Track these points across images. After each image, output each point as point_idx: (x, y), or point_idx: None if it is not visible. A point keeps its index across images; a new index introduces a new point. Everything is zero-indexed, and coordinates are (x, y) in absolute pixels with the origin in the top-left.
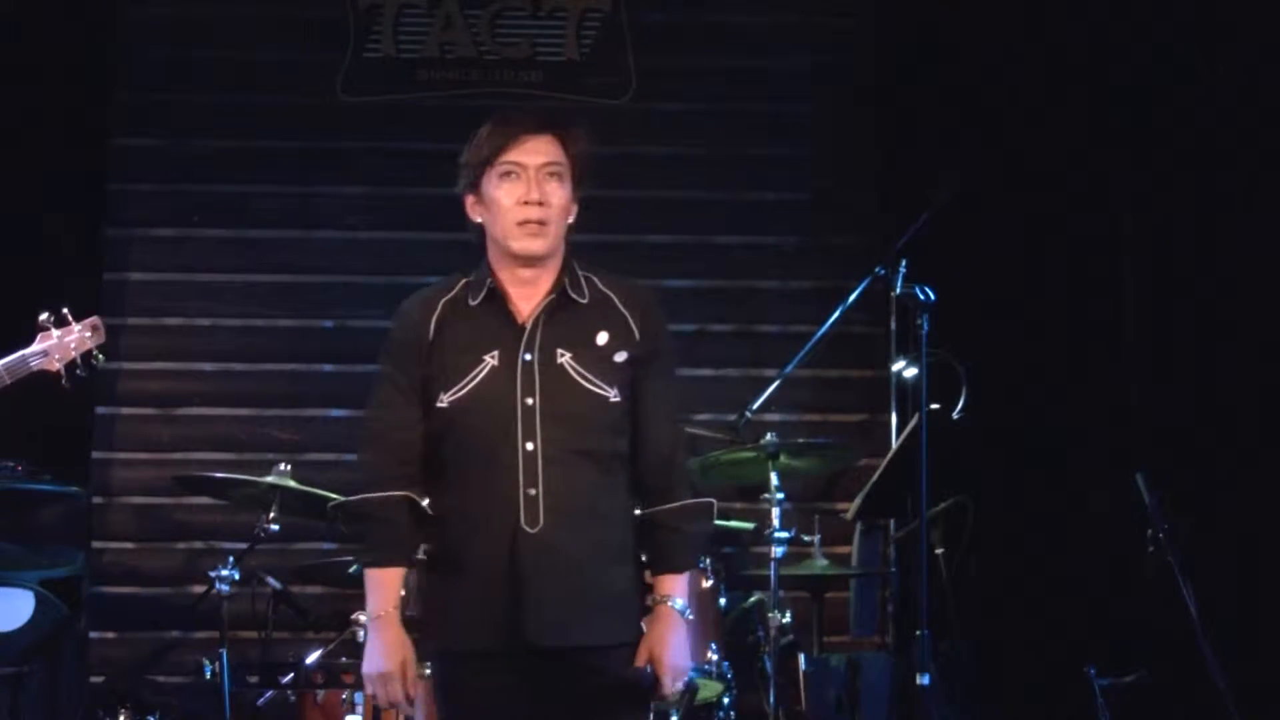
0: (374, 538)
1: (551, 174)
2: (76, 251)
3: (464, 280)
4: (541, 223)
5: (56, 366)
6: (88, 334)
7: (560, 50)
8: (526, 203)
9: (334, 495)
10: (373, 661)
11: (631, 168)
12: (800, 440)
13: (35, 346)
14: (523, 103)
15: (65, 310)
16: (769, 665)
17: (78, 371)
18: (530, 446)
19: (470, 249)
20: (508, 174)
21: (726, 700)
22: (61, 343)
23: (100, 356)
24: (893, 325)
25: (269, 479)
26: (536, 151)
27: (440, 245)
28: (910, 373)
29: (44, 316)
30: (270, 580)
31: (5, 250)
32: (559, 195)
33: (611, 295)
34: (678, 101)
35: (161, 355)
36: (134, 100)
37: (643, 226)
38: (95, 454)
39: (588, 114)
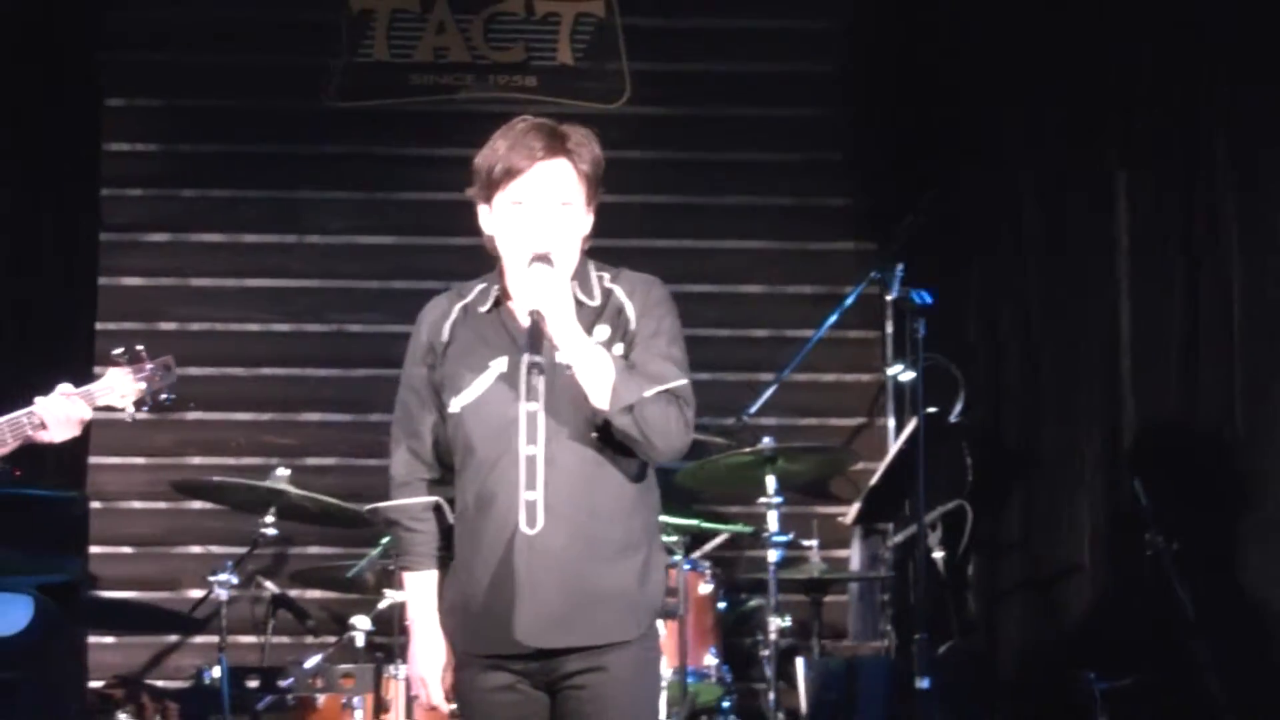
0: (406, 543)
1: (562, 205)
2: (71, 256)
3: (479, 286)
4: (548, 260)
5: (126, 404)
6: (160, 373)
7: (554, 55)
8: (534, 254)
9: (331, 499)
10: (413, 664)
11: (624, 172)
12: (798, 444)
13: (101, 383)
14: (517, 109)
15: (140, 348)
16: (768, 669)
17: (145, 412)
18: (531, 451)
19: (463, 253)
20: (518, 203)
21: (726, 704)
22: (132, 381)
23: (171, 397)
24: (889, 329)
25: (266, 484)
26: (547, 183)
27: (434, 249)
28: (907, 376)
29: (117, 352)
30: (268, 585)
31: (0, 255)
32: (569, 228)
33: (616, 289)
34: (671, 106)
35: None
36: (126, 105)
37: (635, 231)
38: (92, 459)
39: (581, 119)
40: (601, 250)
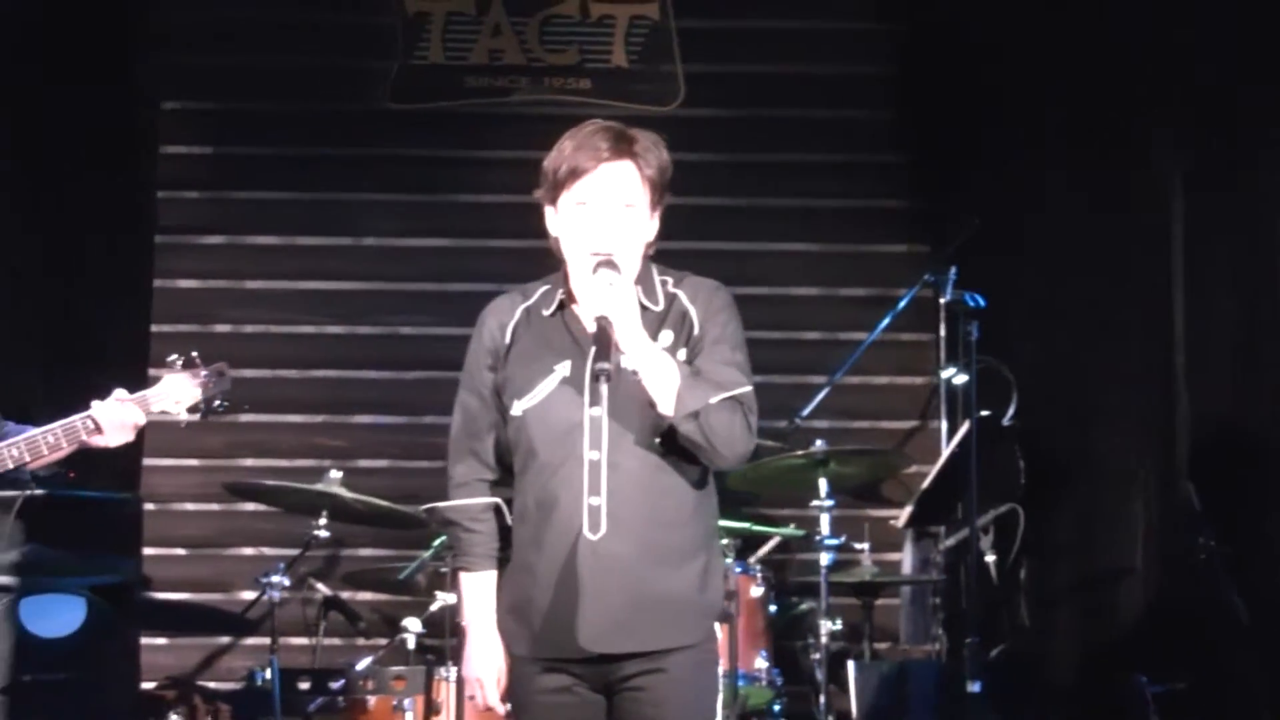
0: (464, 543)
1: (625, 207)
2: (126, 259)
3: (543, 288)
4: (613, 265)
5: (180, 411)
6: (214, 379)
7: (608, 57)
8: (599, 260)
9: (382, 502)
10: (468, 665)
11: (678, 174)
12: (850, 447)
13: (157, 389)
14: (570, 111)
15: (194, 354)
16: (819, 672)
17: (199, 417)
18: (595, 456)
19: (517, 255)
20: (582, 204)
21: (776, 707)
22: (187, 387)
23: (225, 404)
24: (942, 332)
25: (318, 486)
26: (612, 185)
27: (488, 251)
28: (960, 379)
29: (172, 358)
30: (320, 586)
31: (56, 259)
32: (632, 232)
33: (679, 293)
34: (725, 108)
35: (210, 363)
36: (181, 108)
37: (689, 233)
38: (146, 461)
39: (635, 122)
40: (657, 253)
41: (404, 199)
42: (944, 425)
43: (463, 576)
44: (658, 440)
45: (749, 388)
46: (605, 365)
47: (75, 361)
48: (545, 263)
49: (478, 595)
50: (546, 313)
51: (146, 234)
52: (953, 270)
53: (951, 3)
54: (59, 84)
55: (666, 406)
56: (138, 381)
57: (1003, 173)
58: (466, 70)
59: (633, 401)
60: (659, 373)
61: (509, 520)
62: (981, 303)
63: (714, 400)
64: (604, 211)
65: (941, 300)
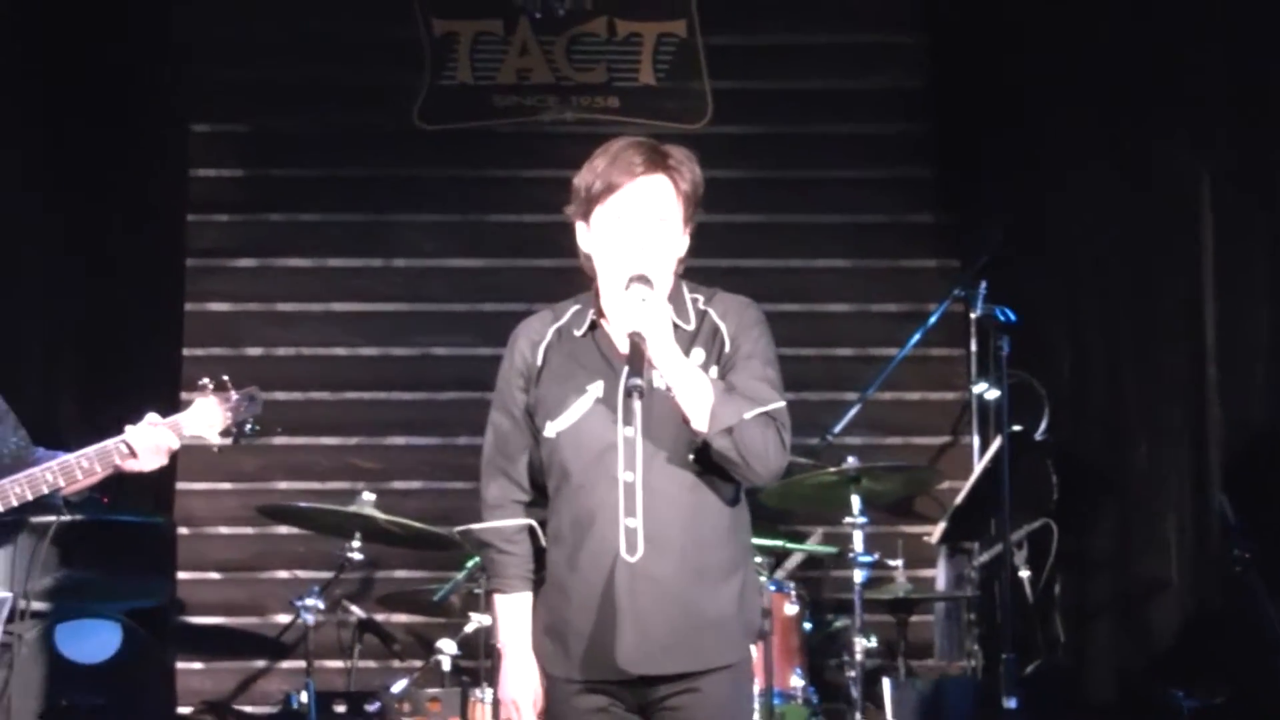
0: (498, 565)
1: (660, 222)
2: (157, 283)
3: (574, 308)
4: (646, 281)
5: (213, 435)
6: (245, 402)
7: (636, 75)
8: (632, 275)
9: (417, 523)
10: (504, 687)
11: (708, 192)
12: (882, 463)
13: (189, 413)
14: (599, 130)
15: (226, 378)
16: (854, 690)
17: (231, 441)
18: (630, 477)
19: (549, 274)
20: (616, 218)
21: None
22: (219, 411)
23: (257, 427)
24: (973, 347)
25: (352, 508)
26: (647, 199)
27: (520, 271)
28: (992, 394)
29: (203, 382)
30: (355, 609)
31: (87, 282)
32: (666, 246)
33: (710, 311)
34: (753, 125)
35: (242, 386)
36: (211, 130)
37: (719, 250)
38: (179, 484)
39: (664, 139)
40: (685, 270)
41: (435, 219)
42: (976, 440)
43: (497, 598)
44: (692, 459)
45: (782, 403)
46: (638, 381)
47: (108, 385)
48: (578, 281)
49: (513, 617)
50: (578, 333)
51: (177, 257)
52: (983, 285)
53: (979, 15)
54: (90, 109)
55: (700, 422)
56: (170, 405)
57: (1032, 185)
58: (495, 90)
59: (666, 420)
60: (692, 388)
61: (543, 542)
62: (1012, 317)
63: (747, 416)
64: (638, 226)
65: (972, 315)
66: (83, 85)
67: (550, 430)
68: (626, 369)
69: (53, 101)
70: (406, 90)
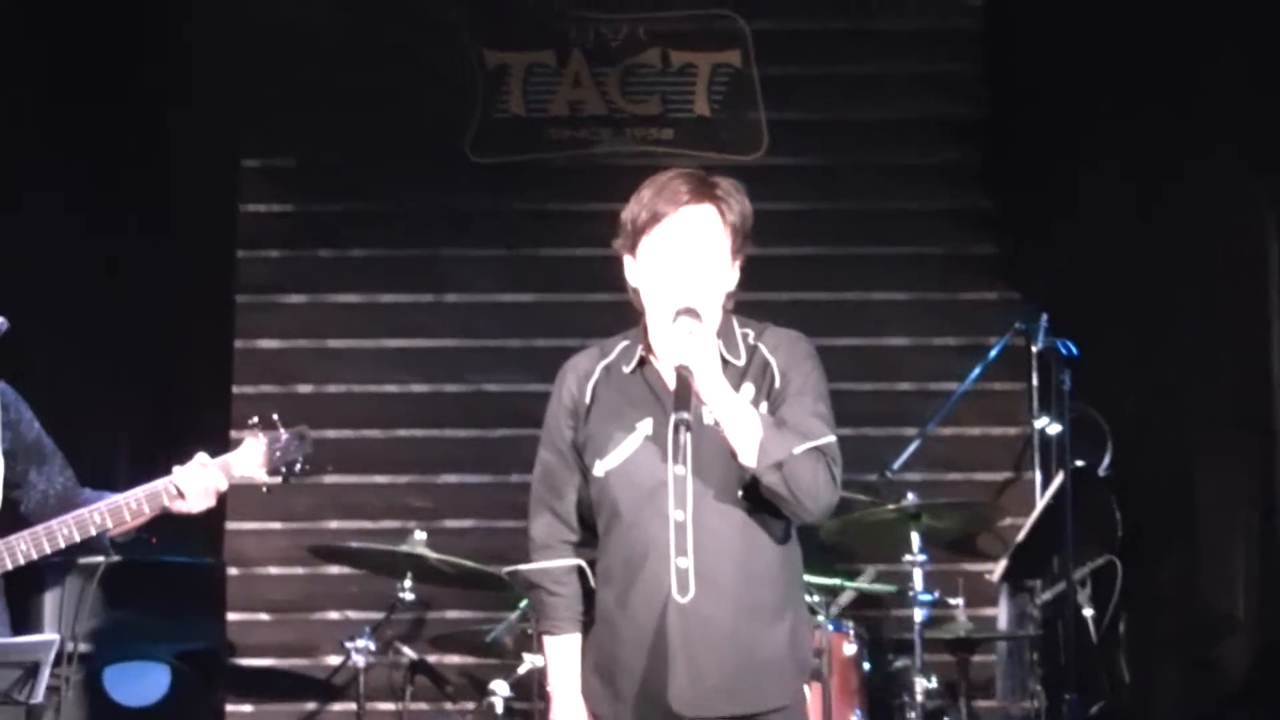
0: (547, 607)
1: (708, 250)
2: (206, 320)
3: (623, 344)
4: (694, 314)
5: (262, 474)
6: (295, 442)
7: (691, 106)
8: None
9: (469, 562)
10: None
11: (764, 224)
12: (942, 500)
13: (238, 453)
14: (654, 161)
15: (275, 416)
16: None
17: (280, 480)
18: (680, 516)
19: (604, 309)
20: (663, 249)
21: None
22: (268, 451)
23: (306, 466)
24: (1034, 381)
25: (404, 547)
26: (694, 229)
27: (574, 306)
28: (1054, 429)
29: (252, 421)
30: (406, 650)
31: (136, 318)
32: (714, 277)
33: (761, 345)
34: (811, 156)
35: (293, 424)
36: (262, 165)
37: (776, 284)
38: (229, 524)
39: (720, 171)
40: (741, 303)
41: (487, 254)
42: (1038, 476)
43: (546, 640)
44: (741, 495)
45: (832, 438)
46: (685, 415)
47: (156, 424)
48: (632, 317)
49: (562, 659)
50: (626, 369)
51: (227, 293)
52: (1044, 317)
53: (1038, 42)
54: (138, 144)
55: (749, 457)
56: (220, 443)
57: (1094, 216)
58: (548, 122)
59: (716, 457)
60: (741, 423)
61: (592, 583)
62: (1074, 350)
63: (797, 451)
64: (685, 256)
65: (1034, 348)
66: (131, 121)
67: (599, 469)
68: (674, 403)
69: (101, 137)
70: (458, 123)
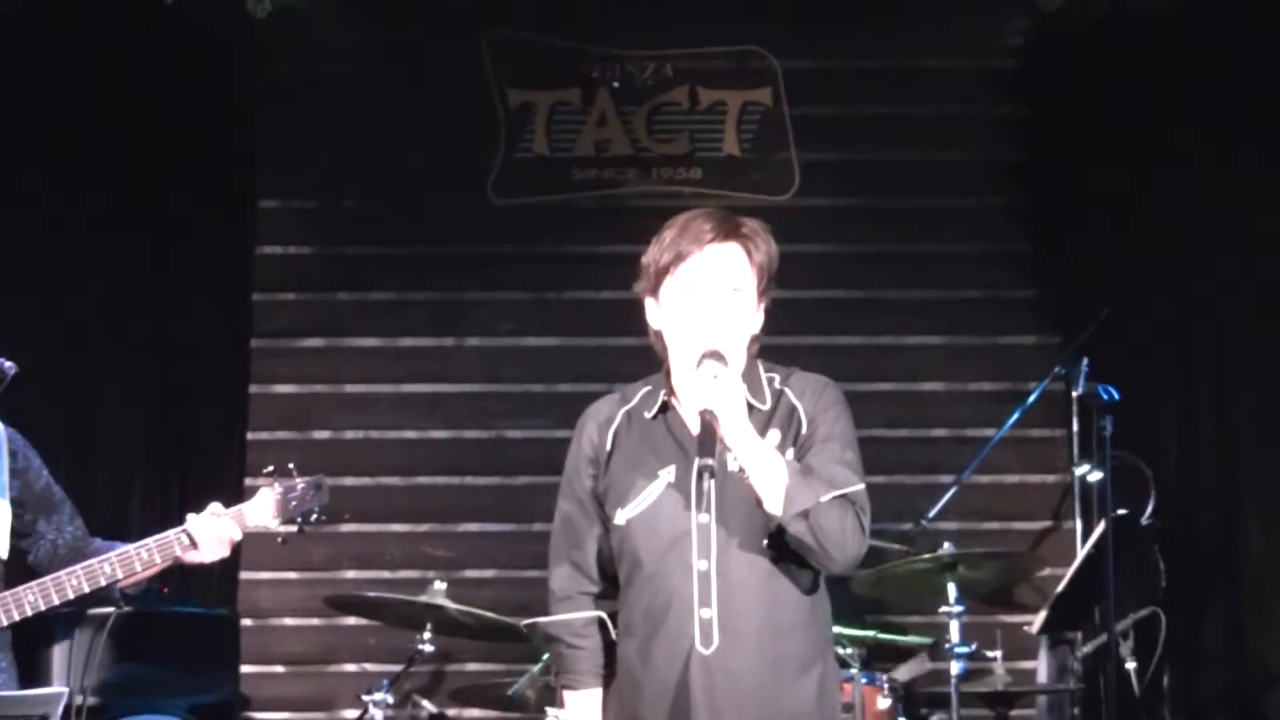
0: (568, 660)
1: (733, 292)
2: (221, 364)
3: (645, 389)
4: (719, 357)
5: (277, 524)
6: (311, 491)
7: (720, 146)
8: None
9: (490, 614)
10: None
11: (795, 266)
12: (979, 550)
13: (252, 502)
14: (681, 202)
15: (291, 465)
16: None
17: (295, 530)
18: (704, 566)
19: (630, 354)
20: (686, 289)
21: None
22: (283, 500)
23: (322, 516)
24: (1074, 427)
25: (423, 598)
26: (718, 268)
27: (599, 351)
28: (1094, 477)
29: (268, 470)
30: (426, 704)
31: (150, 362)
32: (739, 319)
33: (787, 390)
34: (842, 196)
35: (309, 471)
36: (279, 207)
37: (807, 327)
38: (243, 574)
39: (749, 212)
40: (772, 348)
41: (509, 297)
42: (1079, 525)
43: (567, 695)
44: (767, 544)
45: (860, 486)
46: (709, 461)
47: (170, 472)
48: (657, 361)
49: (583, 714)
50: (648, 415)
51: (243, 337)
52: (1085, 362)
53: (1075, 84)
54: (153, 185)
55: (775, 505)
56: (234, 491)
57: (1135, 259)
58: (573, 162)
59: (740, 504)
60: (767, 470)
61: (613, 635)
62: (1116, 396)
63: (824, 499)
64: (710, 297)
65: (1074, 394)
66: (145, 162)
67: (620, 517)
68: (699, 449)
69: (114, 179)
70: (480, 164)
